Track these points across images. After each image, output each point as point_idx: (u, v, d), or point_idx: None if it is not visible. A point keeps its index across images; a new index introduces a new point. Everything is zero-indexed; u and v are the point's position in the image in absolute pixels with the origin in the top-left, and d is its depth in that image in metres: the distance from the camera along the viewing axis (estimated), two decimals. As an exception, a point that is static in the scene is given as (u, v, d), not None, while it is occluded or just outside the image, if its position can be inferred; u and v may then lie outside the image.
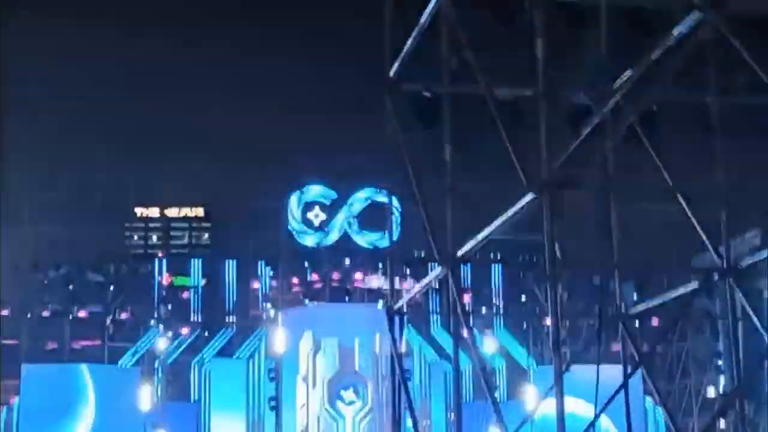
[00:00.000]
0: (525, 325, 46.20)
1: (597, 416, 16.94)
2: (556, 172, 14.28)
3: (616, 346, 23.42)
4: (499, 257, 44.16)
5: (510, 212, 15.28)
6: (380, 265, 45.22)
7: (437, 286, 36.23)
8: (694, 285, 19.57)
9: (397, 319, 21.70)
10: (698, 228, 19.58)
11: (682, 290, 19.63)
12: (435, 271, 18.84)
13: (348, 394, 40.87)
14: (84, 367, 41.53)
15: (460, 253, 17.13)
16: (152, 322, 44.25)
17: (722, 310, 38.36)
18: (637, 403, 32.42)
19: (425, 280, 21.90)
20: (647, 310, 22.60)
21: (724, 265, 18.97)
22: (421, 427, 36.97)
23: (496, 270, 45.54)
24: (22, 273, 43.52)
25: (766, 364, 25.11)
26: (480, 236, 16.22)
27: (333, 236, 44.72)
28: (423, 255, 41.79)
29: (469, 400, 41.52)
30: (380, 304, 43.49)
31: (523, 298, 46.53)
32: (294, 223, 44.46)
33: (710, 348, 44.18)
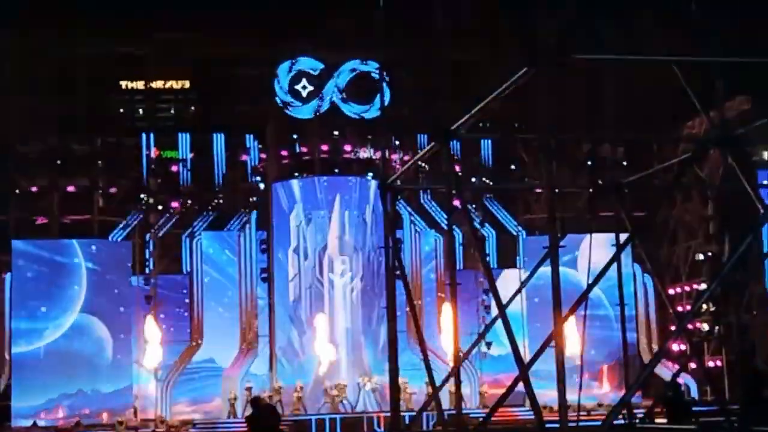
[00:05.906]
0: (513, 195, 46.28)
1: (591, 286, 17.06)
2: (553, 45, 14.07)
3: (605, 214, 23.41)
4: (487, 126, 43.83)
5: (505, 85, 15.12)
6: (369, 137, 44.91)
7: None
8: (687, 154, 19.54)
9: (389, 192, 21.75)
10: (692, 95, 19.36)
11: (675, 159, 19.59)
12: (429, 146, 18.77)
13: (338, 265, 41.13)
14: (75, 243, 41.55)
15: (453, 126, 17.02)
16: (142, 195, 44.02)
17: (712, 176, 38.51)
18: (627, 270, 32.69)
19: (419, 154, 21.81)
20: (638, 178, 22.53)
21: (718, 134, 18.86)
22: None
23: (486, 142, 45.22)
24: (8, 147, 43.05)
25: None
26: (474, 109, 16.08)
27: (321, 108, 44.26)
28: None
29: (459, 268, 41.93)
30: (370, 176, 43.49)
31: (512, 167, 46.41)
32: (281, 94, 43.96)
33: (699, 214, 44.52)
